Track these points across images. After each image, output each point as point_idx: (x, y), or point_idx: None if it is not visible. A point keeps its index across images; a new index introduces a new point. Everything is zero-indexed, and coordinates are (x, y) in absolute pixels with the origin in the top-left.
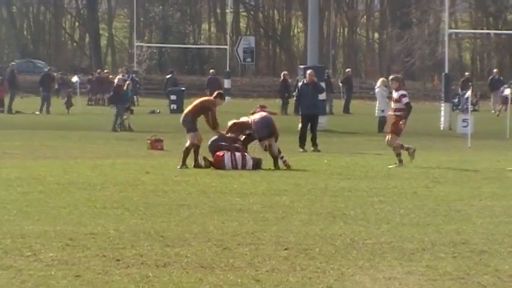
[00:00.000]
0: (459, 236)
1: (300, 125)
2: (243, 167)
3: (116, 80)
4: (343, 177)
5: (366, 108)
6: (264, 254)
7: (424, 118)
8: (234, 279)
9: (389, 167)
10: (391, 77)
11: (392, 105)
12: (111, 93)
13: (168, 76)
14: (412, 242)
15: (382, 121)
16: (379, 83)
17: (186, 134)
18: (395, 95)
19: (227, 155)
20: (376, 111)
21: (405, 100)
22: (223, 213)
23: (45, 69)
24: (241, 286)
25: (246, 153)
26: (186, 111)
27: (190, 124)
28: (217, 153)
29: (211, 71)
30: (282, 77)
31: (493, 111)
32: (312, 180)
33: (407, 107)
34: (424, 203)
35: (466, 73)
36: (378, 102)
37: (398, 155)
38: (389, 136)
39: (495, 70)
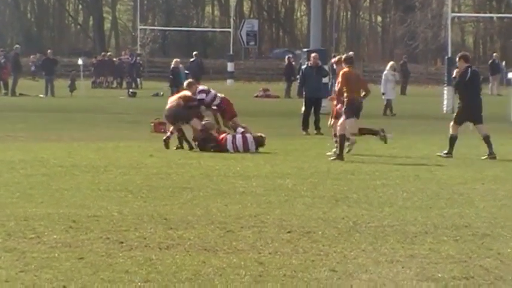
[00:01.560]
0: (462, 219)
1: (303, 108)
2: (246, 150)
3: (172, 63)
4: (346, 160)
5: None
6: (267, 236)
7: (427, 101)
8: (237, 262)
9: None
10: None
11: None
12: (170, 76)
13: (192, 59)
14: (415, 225)
15: (388, 104)
16: (388, 66)
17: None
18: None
19: (229, 139)
20: (384, 95)
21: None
22: (226, 196)
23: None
24: (244, 269)
25: (247, 135)
26: (171, 107)
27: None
28: (221, 136)
29: (194, 53)
30: (286, 60)
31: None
32: (314, 164)
33: None
34: (427, 186)
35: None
36: (382, 85)
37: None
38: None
39: (495, 54)
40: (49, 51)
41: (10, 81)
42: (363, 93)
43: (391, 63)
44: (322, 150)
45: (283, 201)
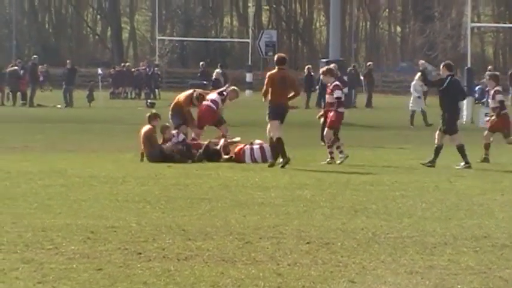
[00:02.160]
0: (481, 230)
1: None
2: (264, 160)
3: (214, 75)
4: (365, 171)
5: (388, 102)
6: (285, 247)
7: None
8: (256, 273)
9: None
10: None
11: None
12: (211, 87)
13: (218, 70)
14: (434, 236)
15: (413, 115)
16: (417, 76)
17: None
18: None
19: (247, 151)
20: (410, 105)
21: (337, 93)
22: (244, 207)
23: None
24: (262, 280)
25: (264, 146)
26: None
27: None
28: (238, 148)
29: (201, 63)
30: (306, 71)
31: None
32: (333, 174)
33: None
34: (446, 197)
35: None
36: (412, 95)
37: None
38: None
39: (489, 67)
40: (68, 61)
41: (28, 92)
42: (292, 94)
43: (419, 73)
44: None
45: (302, 212)
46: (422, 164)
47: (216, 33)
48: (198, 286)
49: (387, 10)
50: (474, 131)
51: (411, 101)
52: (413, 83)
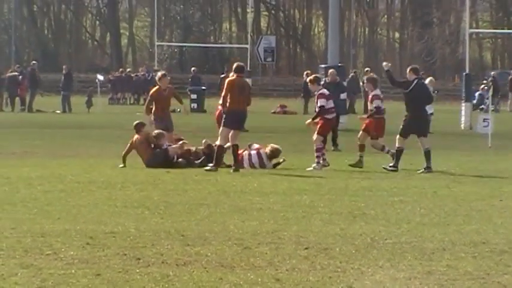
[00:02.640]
0: (479, 236)
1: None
2: (262, 167)
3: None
4: (364, 176)
5: (386, 107)
6: (284, 253)
7: (445, 118)
8: (254, 279)
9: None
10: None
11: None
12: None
13: (222, 75)
14: (433, 241)
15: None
16: (427, 81)
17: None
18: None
19: (245, 157)
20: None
21: (321, 102)
22: (243, 213)
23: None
24: (261, 285)
25: (261, 151)
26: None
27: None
28: (238, 153)
29: (192, 69)
30: (304, 77)
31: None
32: (332, 180)
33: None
34: (445, 202)
35: None
36: None
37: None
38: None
39: (492, 73)
40: (64, 66)
41: (27, 98)
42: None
43: (430, 78)
44: (340, 166)
45: (301, 217)
46: (384, 168)
47: (214, 39)
48: None
49: (386, 16)
50: (473, 136)
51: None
52: None
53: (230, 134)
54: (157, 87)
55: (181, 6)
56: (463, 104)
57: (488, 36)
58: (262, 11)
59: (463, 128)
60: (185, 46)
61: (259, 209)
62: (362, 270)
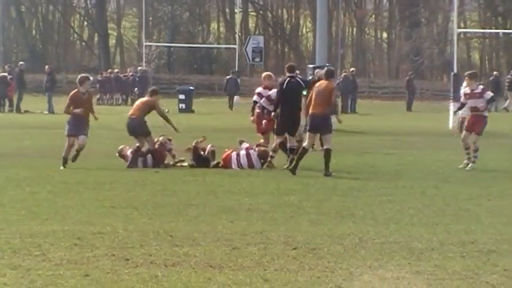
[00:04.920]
0: (468, 235)
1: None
2: (250, 167)
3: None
4: (352, 176)
5: (374, 107)
6: (272, 253)
7: (433, 117)
8: (243, 279)
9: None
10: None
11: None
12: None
13: (229, 77)
14: (421, 241)
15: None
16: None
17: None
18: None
19: (233, 157)
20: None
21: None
22: (232, 213)
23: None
24: (249, 285)
25: (251, 151)
26: (134, 115)
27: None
28: (226, 154)
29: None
30: None
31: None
32: (320, 180)
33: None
34: (433, 202)
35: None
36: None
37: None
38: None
39: (495, 73)
40: (46, 67)
41: (15, 98)
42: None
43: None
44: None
45: (289, 217)
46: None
47: (202, 39)
48: None
49: (373, 16)
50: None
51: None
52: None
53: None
54: (76, 90)
55: (169, 6)
56: (451, 104)
57: (476, 36)
58: (250, 11)
59: (451, 127)
60: (173, 46)
61: (248, 209)
62: (350, 270)
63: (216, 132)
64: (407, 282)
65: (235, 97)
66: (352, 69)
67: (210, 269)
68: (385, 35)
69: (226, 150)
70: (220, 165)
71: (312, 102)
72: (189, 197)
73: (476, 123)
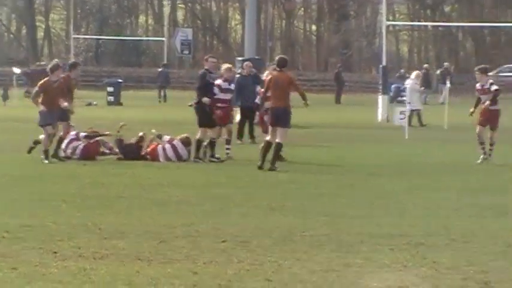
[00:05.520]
0: (396, 228)
1: (238, 117)
2: (179, 158)
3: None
4: (282, 169)
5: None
6: (201, 246)
7: (362, 110)
8: (172, 272)
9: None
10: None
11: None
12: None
13: (160, 69)
14: (350, 234)
15: (418, 113)
16: (413, 75)
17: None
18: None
19: (160, 151)
20: (410, 105)
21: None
22: (160, 206)
23: None
24: (178, 278)
25: (175, 142)
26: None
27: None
28: (152, 146)
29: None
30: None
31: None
32: (250, 173)
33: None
34: (362, 195)
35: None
36: (408, 95)
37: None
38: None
39: (425, 65)
40: None
41: None
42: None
43: (416, 72)
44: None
45: (218, 210)
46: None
47: (131, 32)
48: (114, 285)
49: (302, 9)
50: (390, 129)
51: (409, 100)
52: (410, 82)
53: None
54: (47, 78)
55: None
56: (380, 97)
57: (404, 28)
58: (178, 4)
59: (380, 120)
60: (101, 39)
61: (177, 202)
62: (280, 263)
63: (145, 125)
64: (337, 275)
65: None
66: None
67: (139, 261)
68: (314, 27)
69: (151, 143)
70: (147, 156)
71: (272, 95)
72: (117, 189)
73: (490, 118)
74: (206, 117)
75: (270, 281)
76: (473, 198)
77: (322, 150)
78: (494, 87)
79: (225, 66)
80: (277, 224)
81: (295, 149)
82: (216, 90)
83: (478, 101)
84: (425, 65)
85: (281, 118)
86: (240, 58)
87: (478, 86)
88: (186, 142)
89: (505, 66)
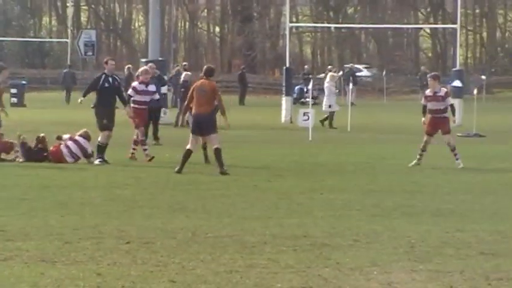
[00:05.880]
0: (300, 229)
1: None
2: (84, 154)
3: (183, 77)
4: (185, 170)
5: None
6: (105, 247)
7: (266, 112)
8: (76, 273)
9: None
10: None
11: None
12: (182, 89)
13: (65, 70)
14: (254, 235)
15: (331, 116)
16: (328, 78)
17: None
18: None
19: (64, 150)
20: (324, 106)
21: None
22: (64, 207)
23: None
24: (82, 280)
25: (77, 138)
26: None
27: None
28: (53, 147)
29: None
30: (126, 71)
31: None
32: (153, 174)
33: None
34: (266, 196)
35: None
36: (325, 97)
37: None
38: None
39: (329, 67)
40: None
41: None
42: None
43: (331, 74)
44: (162, 160)
45: (122, 211)
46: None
47: (34, 33)
48: (18, 287)
49: (206, 10)
50: (293, 130)
51: (328, 102)
52: (326, 85)
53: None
54: None
55: (0, 0)
56: (284, 98)
57: (308, 30)
58: (82, 5)
59: (283, 121)
60: (4, 40)
61: (80, 203)
62: (183, 265)
63: (50, 126)
64: (240, 276)
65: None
66: (184, 63)
67: (43, 263)
68: (217, 29)
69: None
70: (49, 158)
71: (195, 102)
72: (21, 191)
73: (441, 124)
74: (100, 120)
75: (174, 282)
76: (377, 199)
77: (225, 151)
78: (449, 102)
79: (142, 68)
80: (181, 226)
81: (199, 151)
82: (131, 92)
83: (425, 109)
84: (329, 67)
85: (204, 126)
86: (144, 59)
87: (428, 92)
88: (86, 136)
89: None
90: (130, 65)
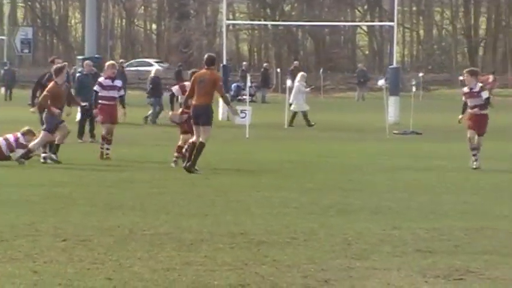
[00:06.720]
0: (237, 226)
1: (78, 115)
2: (18, 145)
3: (153, 73)
4: (123, 168)
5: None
6: (42, 245)
7: None
8: (12, 271)
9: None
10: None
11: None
12: (150, 85)
13: (6, 68)
14: (191, 232)
15: (304, 114)
16: (299, 77)
17: None
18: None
19: (2, 142)
20: (293, 106)
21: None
22: (0, 205)
23: None
24: (18, 277)
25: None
26: None
27: None
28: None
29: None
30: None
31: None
32: (92, 172)
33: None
34: (203, 193)
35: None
36: (292, 95)
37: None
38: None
39: (265, 64)
40: None
41: None
42: None
43: (302, 73)
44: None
45: (59, 209)
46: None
47: None
48: None
49: (143, 7)
50: (231, 127)
51: (293, 100)
52: (296, 84)
53: None
54: None
55: None
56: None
57: (245, 27)
58: (18, 3)
59: (220, 119)
60: None
61: (16, 200)
62: (120, 262)
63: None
64: (177, 274)
65: (2, 88)
66: (121, 60)
67: None
68: (154, 26)
69: None
70: None
71: (196, 93)
72: None
73: (481, 122)
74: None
75: (111, 279)
76: (314, 196)
77: (163, 149)
78: (485, 96)
79: (108, 63)
80: (117, 223)
81: (134, 148)
82: (97, 87)
83: (465, 106)
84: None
85: (202, 116)
86: (80, 57)
87: (465, 89)
88: (29, 133)
89: (134, 60)
90: (66, 63)
